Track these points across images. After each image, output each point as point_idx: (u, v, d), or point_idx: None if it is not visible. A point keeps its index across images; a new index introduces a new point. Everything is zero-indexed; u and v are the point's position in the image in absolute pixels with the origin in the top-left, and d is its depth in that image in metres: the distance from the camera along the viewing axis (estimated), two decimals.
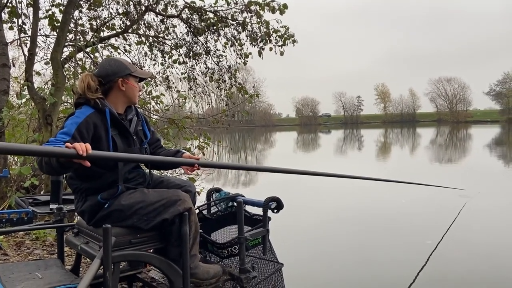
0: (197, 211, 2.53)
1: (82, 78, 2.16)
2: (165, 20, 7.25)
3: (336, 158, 20.16)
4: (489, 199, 7.99)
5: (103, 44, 6.98)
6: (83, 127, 1.99)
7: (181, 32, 7.44)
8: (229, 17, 6.83)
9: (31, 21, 5.46)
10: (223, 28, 7.00)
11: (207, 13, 6.89)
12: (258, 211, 2.50)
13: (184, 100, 7.12)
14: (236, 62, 7.43)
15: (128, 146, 2.19)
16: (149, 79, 7.14)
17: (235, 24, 6.91)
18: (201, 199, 3.23)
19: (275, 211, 2.45)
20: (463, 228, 5.95)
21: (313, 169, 3.13)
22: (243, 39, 7.03)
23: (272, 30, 6.67)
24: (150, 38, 7.33)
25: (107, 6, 6.87)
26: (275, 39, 6.70)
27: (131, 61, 7.05)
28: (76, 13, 6.37)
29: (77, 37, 6.05)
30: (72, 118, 2.03)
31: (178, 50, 7.52)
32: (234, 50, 7.25)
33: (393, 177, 5.34)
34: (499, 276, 4.32)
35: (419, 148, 25.18)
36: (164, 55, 7.57)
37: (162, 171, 4.40)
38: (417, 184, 5.52)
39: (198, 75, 7.86)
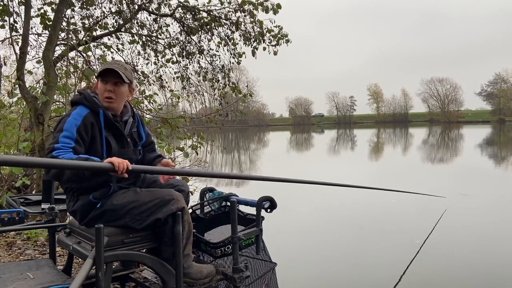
0: (190, 210, 2.53)
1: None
2: (158, 19, 7.22)
3: (329, 158, 20.23)
4: (476, 199, 8.09)
5: (95, 43, 6.93)
6: (82, 129, 2.02)
7: (174, 31, 7.42)
8: (223, 16, 6.81)
9: (23, 19, 5.42)
10: (217, 28, 6.99)
11: (201, 12, 6.87)
12: (252, 210, 2.51)
13: (177, 100, 7.10)
14: (230, 62, 7.42)
15: (122, 147, 2.19)
16: (141, 78, 7.13)
17: (229, 24, 6.90)
18: (194, 199, 3.22)
19: (269, 210, 2.45)
20: (449, 229, 6.02)
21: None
22: (236, 39, 7.02)
23: (266, 29, 6.67)
24: (143, 37, 7.30)
25: (100, 5, 6.83)
26: (269, 39, 6.70)
27: (124, 60, 7.01)
28: (68, 11, 6.33)
29: (69, 36, 6.01)
30: (70, 120, 2.03)
31: (171, 49, 7.49)
32: (227, 50, 7.24)
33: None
34: (485, 275, 4.38)
35: (411, 148, 25.33)
36: (157, 54, 7.53)
37: None
38: (396, 191, 5.55)
39: (191, 74, 7.85)
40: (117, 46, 7.30)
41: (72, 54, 6.28)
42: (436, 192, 7.54)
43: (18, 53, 5.21)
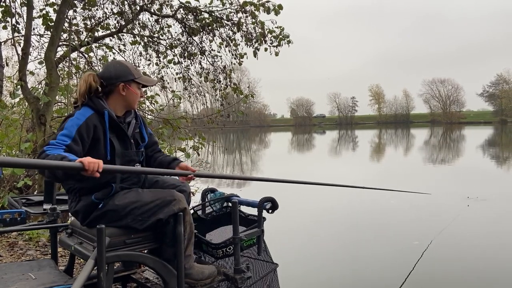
0: (192, 211, 2.53)
1: (84, 78, 2.15)
2: (160, 20, 7.23)
3: (330, 159, 20.22)
4: (481, 201, 8.06)
5: (97, 44, 6.95)
6: (84, 129, 2.00)
7: (176, 32, 7.43)
8: (224, 17, 6.82)
9: (25, 20, 5.43)
10: (218, 28, 6.99)
11: (202, 13, 6.88)
12: (253, 211, 2.50)
13: (179, 100, 7.10)
14: (231, 63, 7.41)
15: (125, 149, 2.19)
16: None
17: (230, 25, 6.90)
18: (196, 199, 3.22)
19: (270, 211, 2.45)
20: (454, 230, 6.00)
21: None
22: (238, 40, 7.03)
23: (267, 30, 6.67)
24: (145, 38, 7.31)
25: (102, 5, 6.84)
26: (270, 40, 6.70)
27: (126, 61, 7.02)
28: (71, 12, 6.34)
29: (71, 37, 6.02)
30: (72, 119, 2.02)
31: (173, 50, 7.50)
32: (229, 51, 7.24)
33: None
34: (489, 277, 4.37)
35: (412, 149, 25.30)
36: (159, 55, 7.55)
37: None
38: (380, 190, 5.54)
39: (193, 75, 7.86)
40: (118, 47, 7.33)
41: (74, 55, 6.31)
42: (440, 194, 7.55)
43: (20, 54, 5.22)
